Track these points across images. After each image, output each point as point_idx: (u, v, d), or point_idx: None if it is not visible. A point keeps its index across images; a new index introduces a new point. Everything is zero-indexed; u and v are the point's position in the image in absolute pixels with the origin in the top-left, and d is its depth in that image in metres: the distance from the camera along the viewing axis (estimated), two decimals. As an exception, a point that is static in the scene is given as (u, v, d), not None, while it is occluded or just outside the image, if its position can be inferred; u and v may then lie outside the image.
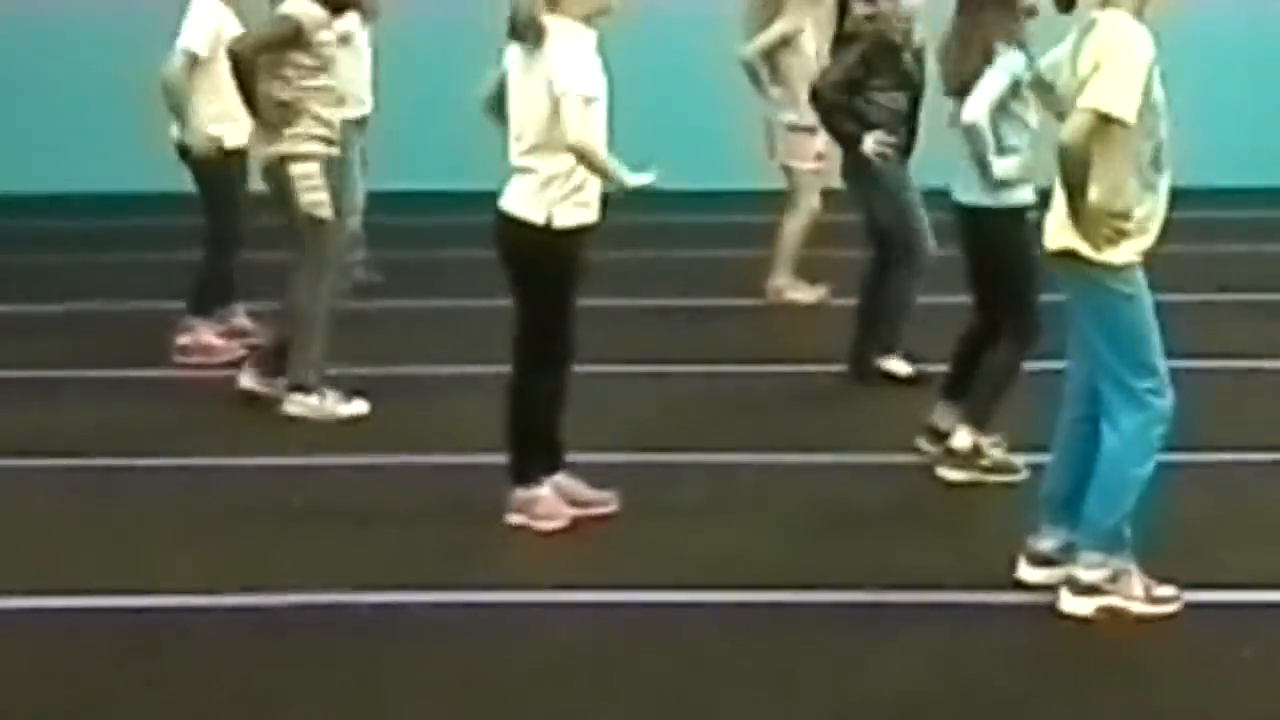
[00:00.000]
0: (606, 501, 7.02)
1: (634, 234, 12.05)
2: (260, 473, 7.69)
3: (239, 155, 9.31)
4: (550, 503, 6.93)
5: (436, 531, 6.91)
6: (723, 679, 5.65)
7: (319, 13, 8.31)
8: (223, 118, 9.14)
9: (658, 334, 10.06)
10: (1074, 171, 5.75)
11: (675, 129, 13.77)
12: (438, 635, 5.99)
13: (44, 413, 8.67)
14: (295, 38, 8.24)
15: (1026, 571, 6.22)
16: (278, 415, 8.35)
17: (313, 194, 8.32)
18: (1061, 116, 5.93)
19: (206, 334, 9.62)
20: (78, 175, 14.35)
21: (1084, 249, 5.86)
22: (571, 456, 7.03)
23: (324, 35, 8.35)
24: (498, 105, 6.86)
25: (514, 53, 6.73)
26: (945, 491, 7.35)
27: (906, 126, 8.81)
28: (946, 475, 7.42)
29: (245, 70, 8.24)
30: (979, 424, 7.41)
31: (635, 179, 6.64)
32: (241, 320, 9.80)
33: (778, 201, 10.84)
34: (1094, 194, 5.78)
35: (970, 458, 7.39)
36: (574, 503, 6.98)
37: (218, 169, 9.37)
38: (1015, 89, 7.25)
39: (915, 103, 8.85)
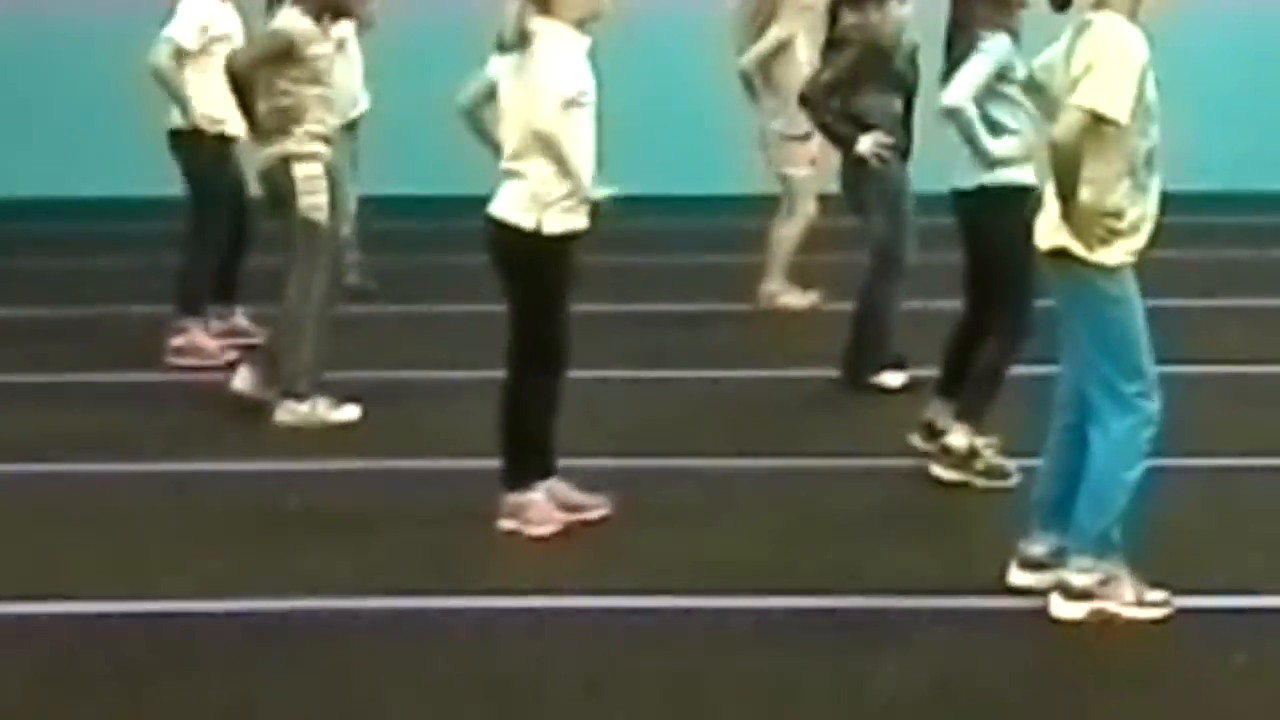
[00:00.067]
0: (598, 505, 7.02)
1: (626, 239, 12.05)
2: (252, 478, 7.69)
3: (232, 145, 9.34)
4: (542, 508, 6.93)
5: (428, 537, 6.91)
6: (715, 684, 5.64)
7: (311, 26, 8.31)
8: (218, 108, 9.15)
9: (650, 339, 10.06)
10: (1065, 170, 5.76)
11: (667, 134, 13.80)
12: (429, 641, 5.98)
13: (37, 417, 8.66)
14: (288, 52, 8.25)
15: (1018, 576, 6.22)
16: (270, 421, 8.36)
17: (313, 197, 8.33)
18: (1054, 118, 5.94)
19: (200, 335, 9.63)
20: (71, 180, 14.36)
21: (1077, 248, 5.86)
22: (564, 462, 7.02)
23: (317, 49, 8.34)
24: (478, 114, 6.91)
25: (502, 61, 6.75)
26: (937, 496, 7.36)
27: (902, 128, 8.83)
28: (939, 474, 7.43)
29: (243, 86, 8.27)
30: (973, 421, 7.42)
31: (596, 191, 6.68)
32: (241, 322, 9.82)
33: (770, 206, 10.85)
34: (1086, 194, 5.79)
35: (966, 459, 7.40)
36: (565, 507, 6.98)
37: (207, 163, 9.41)
38: (1004, 73, 7.25)
39: (909, 106, 8.88)
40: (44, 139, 14.73)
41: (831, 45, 9.02)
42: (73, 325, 10.68)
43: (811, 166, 10.53)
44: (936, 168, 7.61)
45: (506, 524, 6.92)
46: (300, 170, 8.31)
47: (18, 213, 14.05)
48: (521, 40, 6.63)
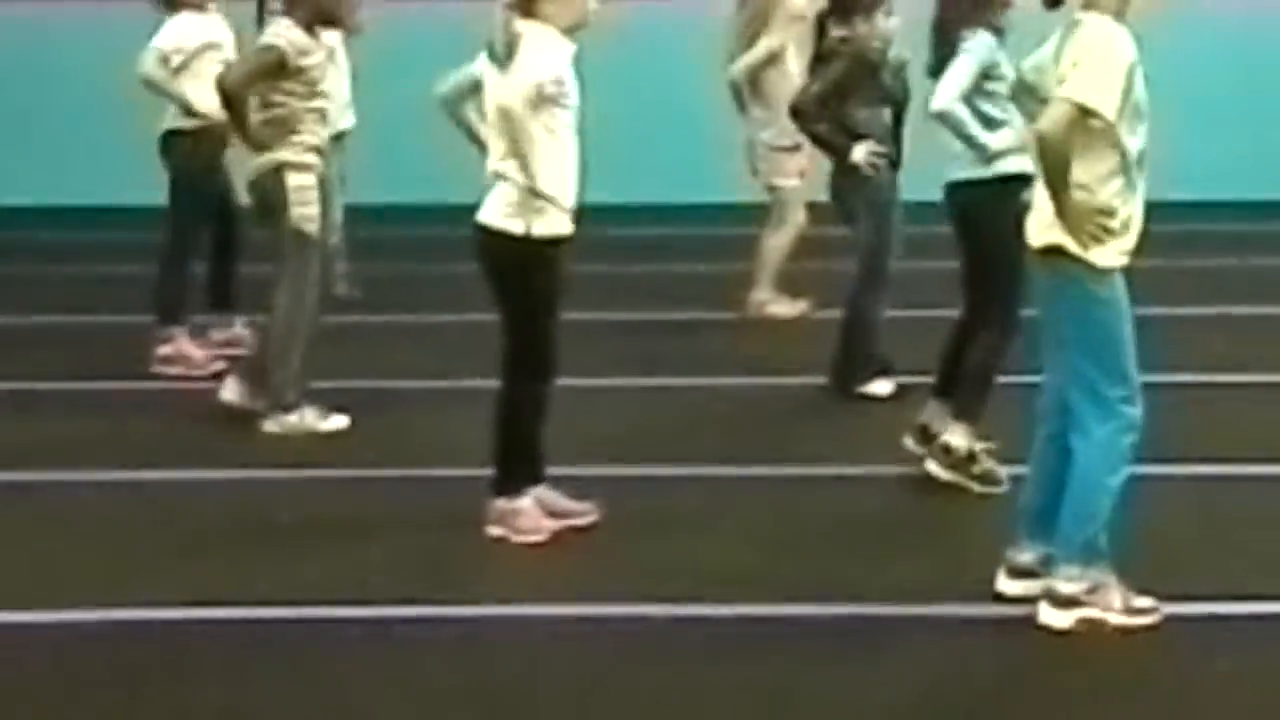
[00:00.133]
0: (586, 512, 7.03)
1: (616, 247, 12.11)
2: (242, 487, 7.69)
3: (223, 152, 9.35)
4: (531, 515, 6.93)
5: (418, 544, 6.91)
6: (707, 693, 5.64)
7: (301, 38, 8.31)
8: (216, 110, 9.17)
9: (639, 347, 10.07)
10: (1053, 164, 5.77)
11: (656, 143, 13.82)
12: (418, 649, 5.98)
13: (26, 426, 8.66)
14: (280, 66, 8.26)
15: (1006, 584, 6.23)
16: (259, 430, 8.36)
17: (305, 207, 8.33)
18: None
19: (186, 343, 9.63)
20: (67, 187, 14.36)
21: (1070, 245, 5.87)
22: (553, 470, 7.03)
23: (309, 60, 8.34)
24: (458, 104, 6.93)
25: (490, 65, 6.76)
26: (927, 504, 7.37)
27: (891, 140, 8.85)
28: (936, 472, 7.45)
29: (236, 102, 8.27)
30: (971, 420, 7.44)
31: (548, 190, 6.67)
32: (240, 331, 9.82)
33: (759, 215, 10.87)
34: (1078, 192, 5.80)
35: (964, 462, 7.42)
36: (554, 514, 6.98)
37: (198, 167, 9.45)
38: (989, 72, 7.29)
39: (899, 119, 8.90)
40: (40, 147, 14.72)
41: (819, 58, 9.05)
42: (66, 333, 10.67)
43: (800, 178, 10.55)
44: (925, 176, 7.62)
45: (495, 531, 6.92)
46: (293, 180, 8.32)
47: (14, 220, 14.04)
48: (509, 49, 6.64)
